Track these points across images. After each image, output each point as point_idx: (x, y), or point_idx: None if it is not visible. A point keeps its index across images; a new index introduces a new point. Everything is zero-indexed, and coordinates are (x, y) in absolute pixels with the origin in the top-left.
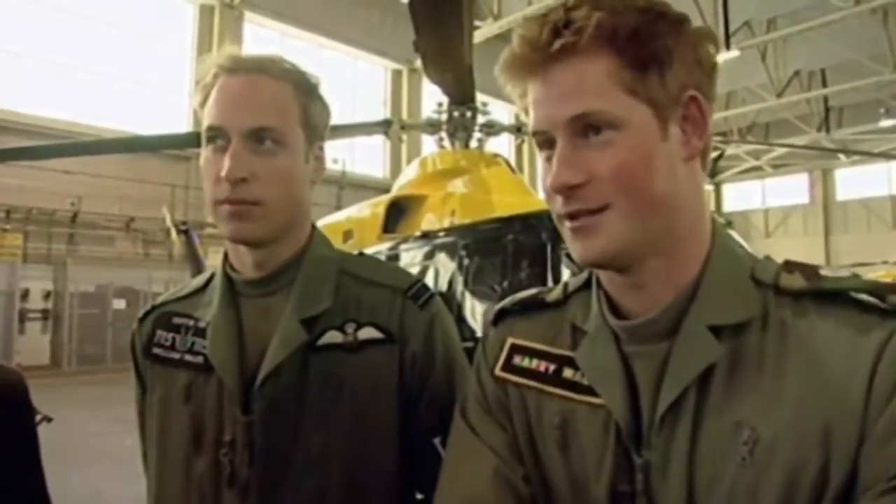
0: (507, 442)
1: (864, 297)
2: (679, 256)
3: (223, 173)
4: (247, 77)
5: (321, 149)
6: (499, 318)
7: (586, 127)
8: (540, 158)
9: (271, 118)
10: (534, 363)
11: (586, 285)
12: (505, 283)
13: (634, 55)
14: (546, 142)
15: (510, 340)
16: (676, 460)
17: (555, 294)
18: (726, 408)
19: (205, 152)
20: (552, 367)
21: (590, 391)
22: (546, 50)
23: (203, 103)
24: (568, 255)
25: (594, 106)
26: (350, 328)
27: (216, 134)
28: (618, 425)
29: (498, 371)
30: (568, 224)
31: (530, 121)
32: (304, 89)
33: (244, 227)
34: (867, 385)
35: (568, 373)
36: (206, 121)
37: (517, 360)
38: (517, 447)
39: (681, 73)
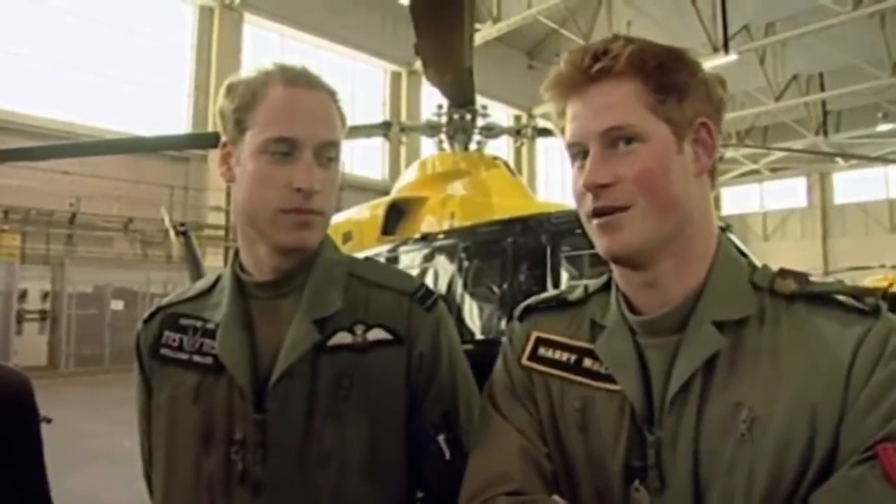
0: (531, 423)
1: (846, 298)
2: (688, 259)
3: (301, 185)
4: (311, 91)
5: None
6: (524, 314)
7: (616, 138)
8: (572, 169)
9: (337, 133)
10: (557, 354)
11: (605, 287)
12: (504, 286)
13: (658, 82)
14: (580, 152)
15: (535, 334)
16: (684, 437)
17: (576, 294)
18: (728, 391)
19: (259, 161)
20: (573, 358)
21: (607, 379)
22: (587, 72)
23: (247, 108)
24: (567, 259)
25: (624, 120)
26: (359, 329)
27: (284, 144)
28: (632, 408)
29: (525, 361)
30: (595, 221)
31: (567, 134)
32: (339, 103)
33: (308, 235)
34: (847, 371)
35: (588, 363)
36: (272, 130)
37: (542, 351)
38: (541, 428)
39: (695, 102)
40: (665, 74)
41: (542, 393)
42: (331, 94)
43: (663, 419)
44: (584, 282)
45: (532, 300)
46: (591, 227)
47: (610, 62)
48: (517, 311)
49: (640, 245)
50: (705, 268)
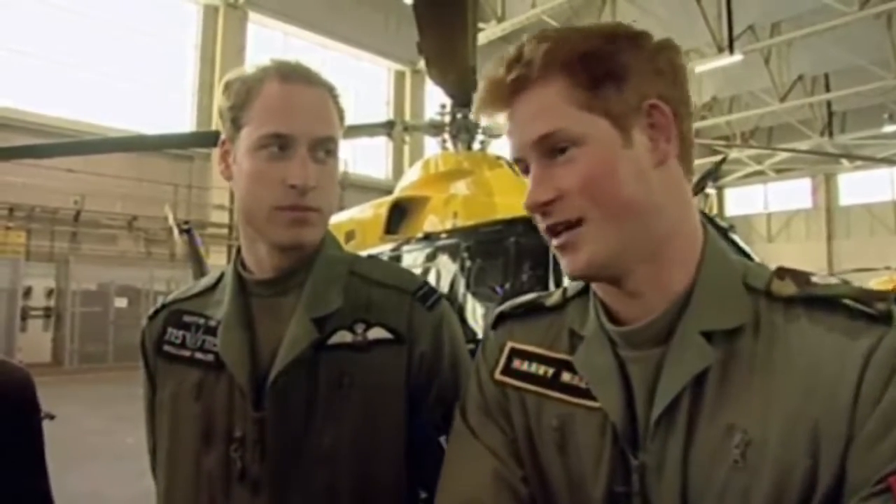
0: (506, 444)
1: (853, 303)
2: (666, 261)
3: (295, 181)
4: (307, 86)
5: None
6: (498, 321)
7: (552, 147)
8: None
9: (333, 128)
10: (533, 367)
11: (584, 290)
12: (507, 285)
13: (587, 75)
14: (525, 168)
15: (510, 344)
16: (671, 463)
17: (554, 299)
18: (719, 411)
19: (254, 158)
20: (550, 371)
21: (587, 395)
22: (505, 85)
23: (242, 105)
24: None
25: (552, 126)
26: (359, 328)
27: (278, 141)
28: (614, 427)
29: (498, 375)
30: (554, 241)
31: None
32: (337, 99)
33: (305, 232)
34: (855, 389)
35: (566, 377)
36: (266, 126)
37: (517, 364)
38: (516, 449)
39: (640, 84)
40: (594, 64)
41: (517, 409)
42: (328, 89)
43: (647, 442)
44: (564, 285)
45: (506, 306)
46: (552, 247)
47: (524, 69)
48: (490, 318)
49: (604, 259)
50: (691, 270)
